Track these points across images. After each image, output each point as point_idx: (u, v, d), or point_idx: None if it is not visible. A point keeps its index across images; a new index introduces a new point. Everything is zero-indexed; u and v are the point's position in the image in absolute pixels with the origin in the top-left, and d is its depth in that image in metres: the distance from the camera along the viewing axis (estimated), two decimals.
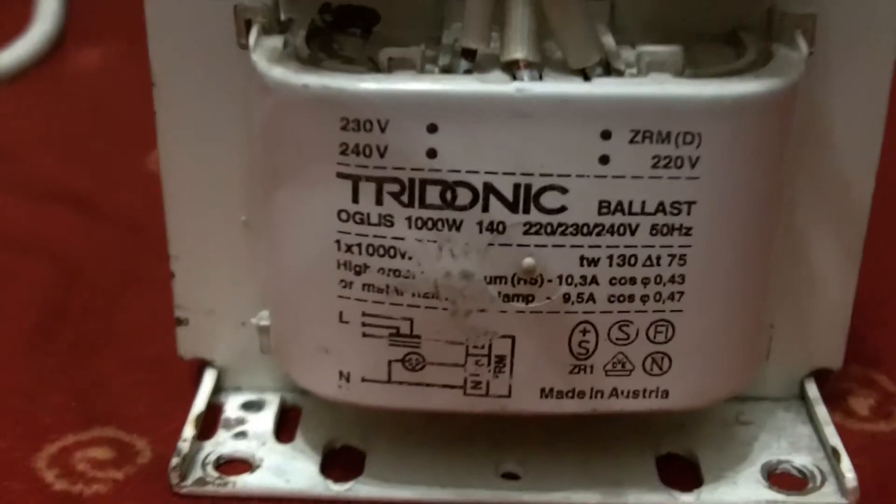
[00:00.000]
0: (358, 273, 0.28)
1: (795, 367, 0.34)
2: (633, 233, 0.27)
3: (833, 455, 0.32)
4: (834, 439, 0.32)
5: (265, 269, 0.31)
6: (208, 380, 0.34)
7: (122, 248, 0.41)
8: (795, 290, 0.32)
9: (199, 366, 0.34)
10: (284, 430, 0.33)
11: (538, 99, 0.26)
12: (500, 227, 0.27)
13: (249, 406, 0.34)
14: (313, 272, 0.29)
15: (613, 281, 0.28)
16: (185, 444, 0.31)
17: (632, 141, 0.27)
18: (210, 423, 0.33)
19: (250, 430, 0.33)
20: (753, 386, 0.33)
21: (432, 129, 0.26)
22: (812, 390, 0.34)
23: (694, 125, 0.26)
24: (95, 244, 0.42)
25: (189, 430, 0.32)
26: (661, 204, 0.27)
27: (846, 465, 0.31)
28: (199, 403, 0.33)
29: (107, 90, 0.52)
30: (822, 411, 0.33)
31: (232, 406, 0.34)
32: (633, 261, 0.28)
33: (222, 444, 0.32)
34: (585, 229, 0.27)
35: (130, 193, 0.44)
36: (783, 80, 0.27)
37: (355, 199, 0.27)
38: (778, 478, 0.32)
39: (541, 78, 0.27)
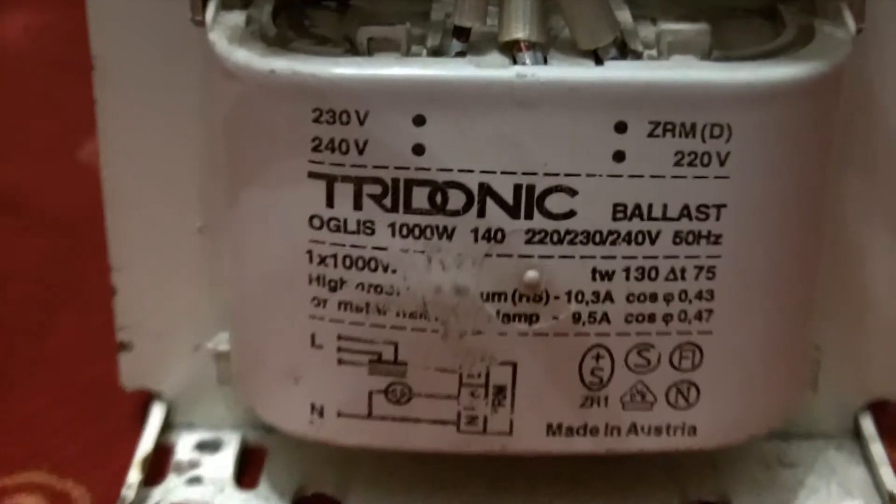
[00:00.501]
0: (333, 289, 0.29)
1: (847, 398, 0.35)
2: (653, 241, 0.29)
3: (890, 501, 0.33)
4: (892, 483, 0.33)
5: (225, 284, 0.32)
6: (156, 415, 0.35)
7: (52, 257, 0.42)
8: (846, 307, 0.34)
9: (145, 398, 0.35)
10: (246, 474, 0.34)
11: (542, 86, 0.28)
12: (499, 235, 0.29)
13: (205, 446, 0.35)
14: (281, 288, 0.30)
15: (631, 298, 0.29)
16: (129, 491, 0.33)
17: (651, 134, 0.28)
18: (159, 465, 0.34)
19: (206, 474, 0.34)
20: (798, 421, 0.35)
21: (419, 121, 0.28)
22: (867, 426, 0.35)
23: (723, 116, 0.28)
24: (20, 252, 0.43)
25: (134, 475, 0.33)
26: (686, 208, 0.28)
27: None
28: (146, 443, 0.34)
29: (32, 68, 0.53)
30: (878, 450, 0.34)
31: (184, 446, 0.35)
32: (653, 274, 0.29)
33: (173, 490, 0.33)
34: (598, 237, 0.29)
35: (61, 192, 0.45)
36: (827, 62, 0.28)
37: (330, 203, 0.29)
38: None
39: (545, 61, 0.28)
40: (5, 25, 0.56)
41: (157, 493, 0.33)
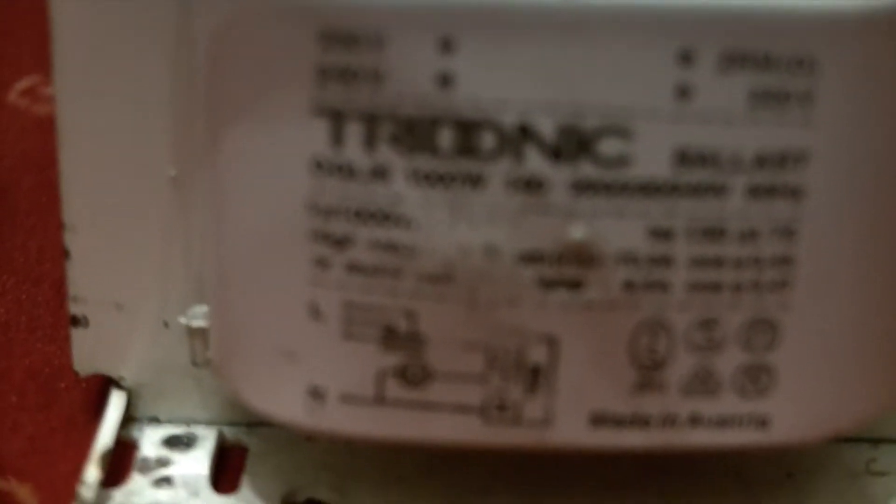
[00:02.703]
0: (339, 248, 0.31)
1: None
2: (721, 196, 0.30)
3: None
4: None
5: (203, 244, 0.34)
6: (115, 404, 0.37)
7: None
8: None
9: (102, 385, 0.37)
10: (225, 474, 0.36)
11: (594, 7, 0.29)
12: (539, 185, 0.30)
13: (175, 442, 0.37)
14: (275, 247, 0.32)
15: (694, 263, 0.31)
16: (88, 492, 0.34)
17: (721, 68, 0.30)
18: (118, 465, 0.36)
19: (177, 474, 0.36)
20: (890, 423, 0.37)
21: (446, 46, 0.29)
22: None
23: (808, 47, 0.30)
24: None
25: (93, 473, 0.35)
26: (761, 156, 0.30)
27: None
28: (105, 436, 0.36)
29: None
30: None
31: (150, 441, 0.37)
32: (721, 235, 0.31)
33: (138, 493, 0.35)
34: (656, 189, 0.30)
35: None
36: None
37: (337, 145, 0.30)
38: None
39: None
40: None
41: (119, 495, 0.35)
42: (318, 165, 0.31)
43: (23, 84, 0.46)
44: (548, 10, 0.30)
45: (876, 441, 0.37)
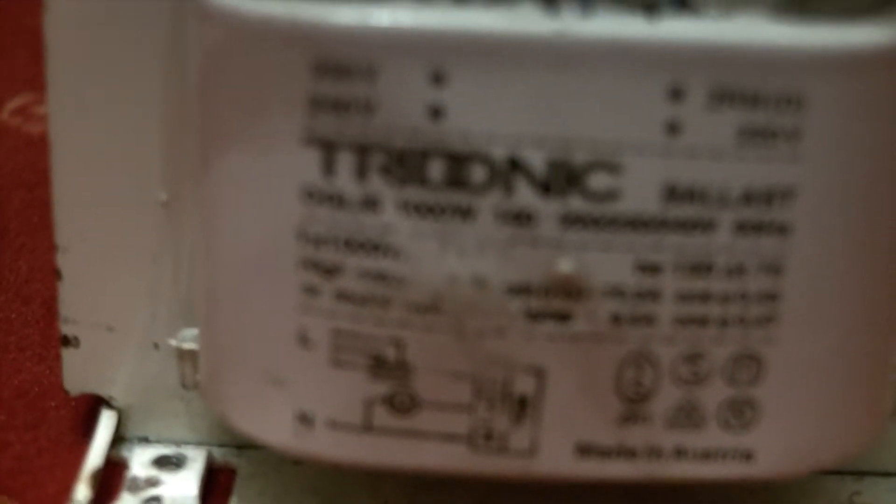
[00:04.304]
0: (328, 276, 0.31)
1: None
2: (709, 231, 0.30)
3: None
4: None
5: (194, 269, 0.34)
6: (106, 424, 0.37)
7: None
8: None
9: (91, 405, 0.37)
10: (213, 495, 0.36)
11: (585, 43, 0.29)
12: (528, 218, 0.30)
13: (164, 462, 0.37)
14: (265, 274, 0.32)
15: (681, 297, 0.31)
16: None
17: (710, 104, 0.30)
18: (109, 483, 0.36)
19: (166, 494, 0.36)
20: (875, 456, 0.37)
21: (438, 79, 0.30)
22: None
23: (795, 85, 0.30)
24: None
25: (83, 491, 0.35)
26: (749, 192, 0.30)
27: None
28: (95, 456, 0.36)
29: None
30: None
31: (140, 462, 0.37)
32: (708, 270, 0.31)
33: None
34: (644, 224, 0.30)
35: None
36: None
37: (328, 174, 0.30)
38: None
39: (588, 14, 0.30)
40: None
41: None
42: (309, 194, 0.31)
43: (14, 103, 0.46)
44: (539, 45, 0.29)
45: (860, 474, 0.37)
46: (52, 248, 0.36)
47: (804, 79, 0.30)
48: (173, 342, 0.36)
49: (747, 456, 0.33)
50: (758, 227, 0.31)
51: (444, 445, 0.32)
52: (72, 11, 0.34)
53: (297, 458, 0.35)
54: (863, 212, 0.31)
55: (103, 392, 0.37)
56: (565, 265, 0.31)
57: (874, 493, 0.37)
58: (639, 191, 0.30)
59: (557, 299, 0.31)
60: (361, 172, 0.30)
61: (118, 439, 0.37)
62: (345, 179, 0.31)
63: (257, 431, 0.34)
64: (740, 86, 0.30)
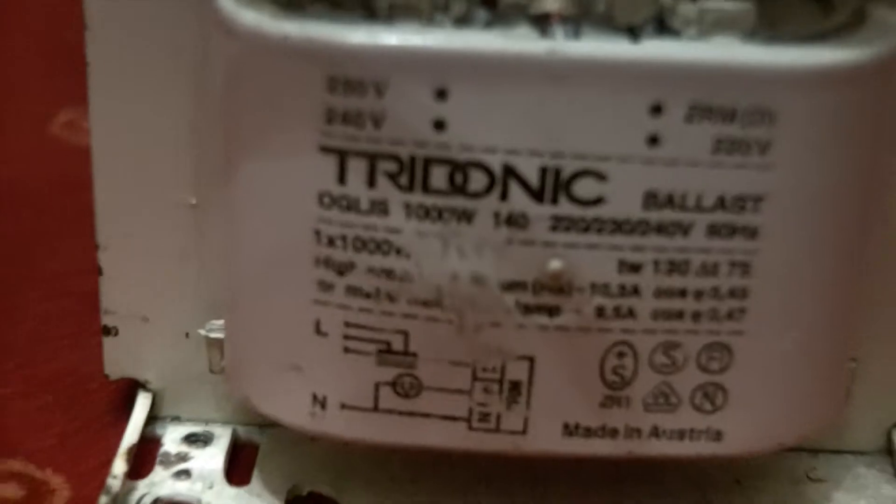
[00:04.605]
0: (341, 273, 0.30)
1: (882, 413, 0.36)
2: (685, 233, 0.29)
3: None
4: None
5: (220, 265, 0.33)
6: (142, 405, 0.35)
7: (21, 236, 0.42)
8: (888, 315, 0.34)
9: (127, 388, 0.36)
10: (237, 469, 0.35)
11: (574, 62, 0.28)
12: (522, 221, 0.29)
13: (194, 439, 0.35)
14: (284, 270, 0.30)
15: (659, 293, 0.30)
16: (115, 482, 0.33)
17: (688, 118, 0.28)
18: (142, 459, 0.35)
19: (195, 468, 0.35)
20: (829, 436, 0.35)
21: (441, 94, 0.28)
22: None
23: (766, 101, 0.28)
24: None
25: (120, 465, 0.33)
26: (722, 198, 0.29)
27: None
28: (131, 433, 0.35)
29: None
30: None
31: (172, 439, 0.35)
32: (684, 268, 0.30)
33: (159, 484, 0.34)
34: (627, 227, 0.29)
35: (30, 167, 0.45)
36: (879, 47, 0.29)
37: (341, 180, 0.29)
38: None
39: (578, 35, 0.29)
40: None
41: (143, 486, 0.34)
42: (324, 198, 0.30)
43: (65, 117, 0.45)
44: (533, 63, 0.28)
45: (815, 451, 0.36)
46: (88, 247, 0.35)
47: (775, 95, 0.29)
48: (202, 331, 0.34)
49: (717, 435, 0.31)
50: (730, 230, 0.30)
51: (444, 425, 0.31)
52: (110, 31, 0.32)
53: (312, 436, 0.33)
54: (827, 216, 0.30)
55: (139, 376, 0.36)
56: (555, 264, 0.30)
57: (827, 469, 0.36)
58: (623, 197, 0.29)
59: (548, 295, 0.30)
60: (371, 178, 0.29)
61: (152, 418, 0.36)
62: (356, 185, 0.29)
63: (277, 412, 0.32)
64: (716, 101, 0.28)
